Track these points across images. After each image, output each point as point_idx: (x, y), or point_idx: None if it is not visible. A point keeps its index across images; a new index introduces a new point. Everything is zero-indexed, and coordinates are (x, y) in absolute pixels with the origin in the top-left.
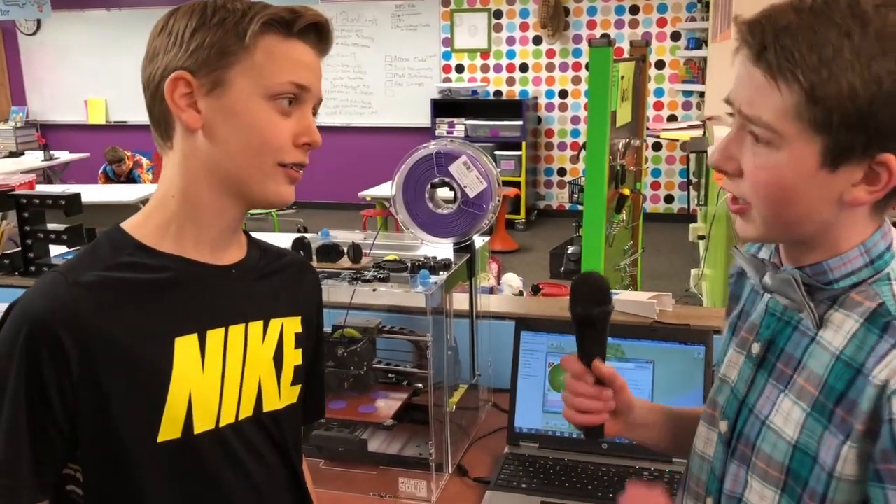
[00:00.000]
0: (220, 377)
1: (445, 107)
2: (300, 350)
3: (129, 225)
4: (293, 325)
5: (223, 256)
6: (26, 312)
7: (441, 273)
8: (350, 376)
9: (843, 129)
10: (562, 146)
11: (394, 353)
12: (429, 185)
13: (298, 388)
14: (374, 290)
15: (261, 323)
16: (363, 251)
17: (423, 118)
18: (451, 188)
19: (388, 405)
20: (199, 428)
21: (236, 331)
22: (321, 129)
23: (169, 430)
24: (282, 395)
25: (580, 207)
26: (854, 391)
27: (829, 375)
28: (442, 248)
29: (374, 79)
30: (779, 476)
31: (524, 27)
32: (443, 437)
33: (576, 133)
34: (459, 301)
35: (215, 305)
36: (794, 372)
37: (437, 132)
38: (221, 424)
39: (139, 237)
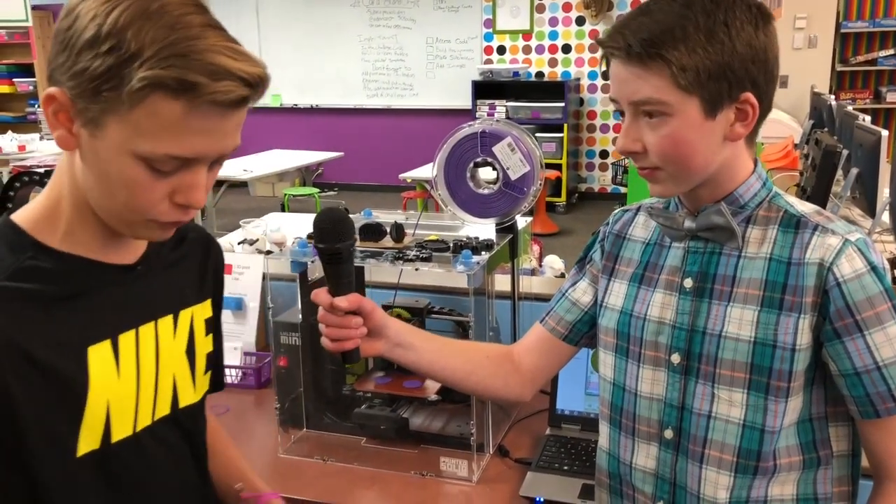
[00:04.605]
0: (136, 381)
1: (486, 88)
2: (211, 336)
3: (22, 219)
4: (203, 311)
5: (125, 254)
6: None
7: (483, 253)
8: None
9: (710, 82)
10: (604, 128)
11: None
12: (471, 165)
13: (209, 374)
14: (416, 270)
15: (170, 318)
16: (405, 231)
17: (464, 100)
18: (494, 168)
19: (432, 381)
20: (116, 436)
21: (146, 331)
22: (361, 111)
23: (87, 443)
24: (196, 387)
25: (623, 190)
26: (793, 277)
27: (767, 275)
28: (484, 229)
29: (416, 60)
30: (744, 376)
31: (567, 8)
32: (484, 417)
33: (618, 115)
34: (501, 282)
35: (123, 308)
36: (732, 287)
37: (477, 114)
38: (138, 429)
39: (36, 235)
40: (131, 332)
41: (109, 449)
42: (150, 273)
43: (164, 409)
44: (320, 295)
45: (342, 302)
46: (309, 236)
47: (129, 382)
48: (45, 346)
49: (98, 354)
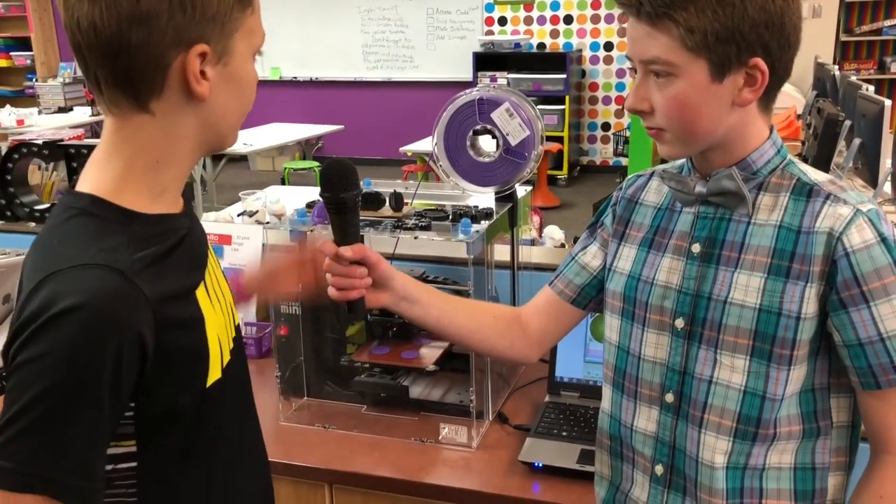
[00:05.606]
0: (222, 312)
1: (488, 60)
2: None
3: (107, 194)
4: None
5: (180, 202)
6: (107, 321)
7: (482, 222)
8: (394, 324)
9: (718, 45)
10: (606, 100)
11: None
12: (470, 133)
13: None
14: (415, 238)
15: (209, 251)
16: (405, 200)
17: (464, 72)
18: (494, 136)
19: (430, 352)
20: (224, 362)
21: (212, 265)
22: (361, 84)
23: (214, 374)
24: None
25: (624, 162)
26: (802, 246)
27: (775, 242)
28: (483, 198)
29: (416, 32)
30: (747, 343)
31: None
32: (483, 385)
33: (621, 87)
34: (501, 252)
35: (194, 251)
36: (740, 253)
37: (478, 86)
38: (226, 351)
39: (130, 206)
40: (206, 270)
41: (225, 376)
42: (190, 215)
43: (231, 332)
44: (326, 245)
45: (347, 251)
46: (308, 205)
47: (219, 314)
48: (173, 301)
49: (202, 296)
